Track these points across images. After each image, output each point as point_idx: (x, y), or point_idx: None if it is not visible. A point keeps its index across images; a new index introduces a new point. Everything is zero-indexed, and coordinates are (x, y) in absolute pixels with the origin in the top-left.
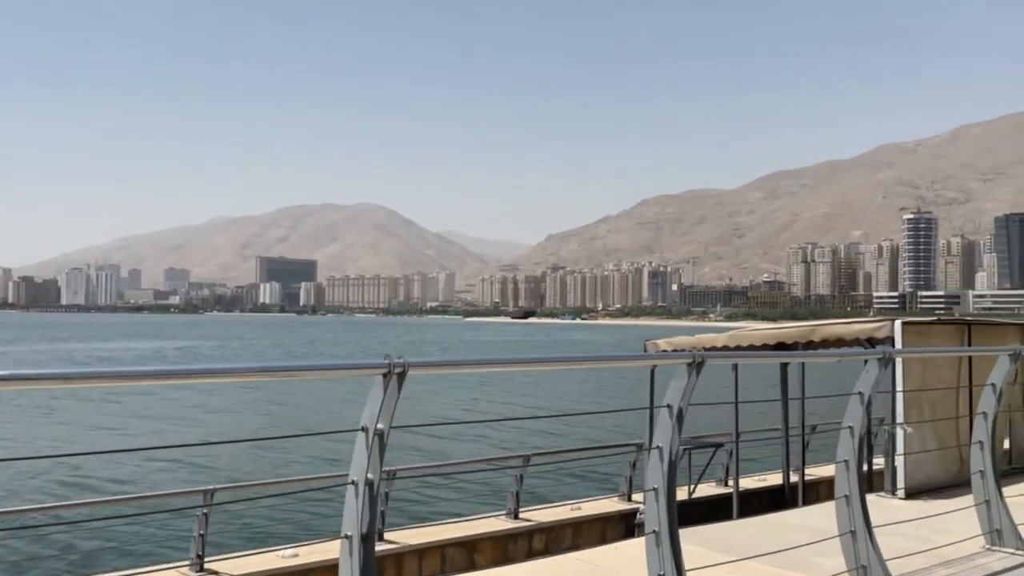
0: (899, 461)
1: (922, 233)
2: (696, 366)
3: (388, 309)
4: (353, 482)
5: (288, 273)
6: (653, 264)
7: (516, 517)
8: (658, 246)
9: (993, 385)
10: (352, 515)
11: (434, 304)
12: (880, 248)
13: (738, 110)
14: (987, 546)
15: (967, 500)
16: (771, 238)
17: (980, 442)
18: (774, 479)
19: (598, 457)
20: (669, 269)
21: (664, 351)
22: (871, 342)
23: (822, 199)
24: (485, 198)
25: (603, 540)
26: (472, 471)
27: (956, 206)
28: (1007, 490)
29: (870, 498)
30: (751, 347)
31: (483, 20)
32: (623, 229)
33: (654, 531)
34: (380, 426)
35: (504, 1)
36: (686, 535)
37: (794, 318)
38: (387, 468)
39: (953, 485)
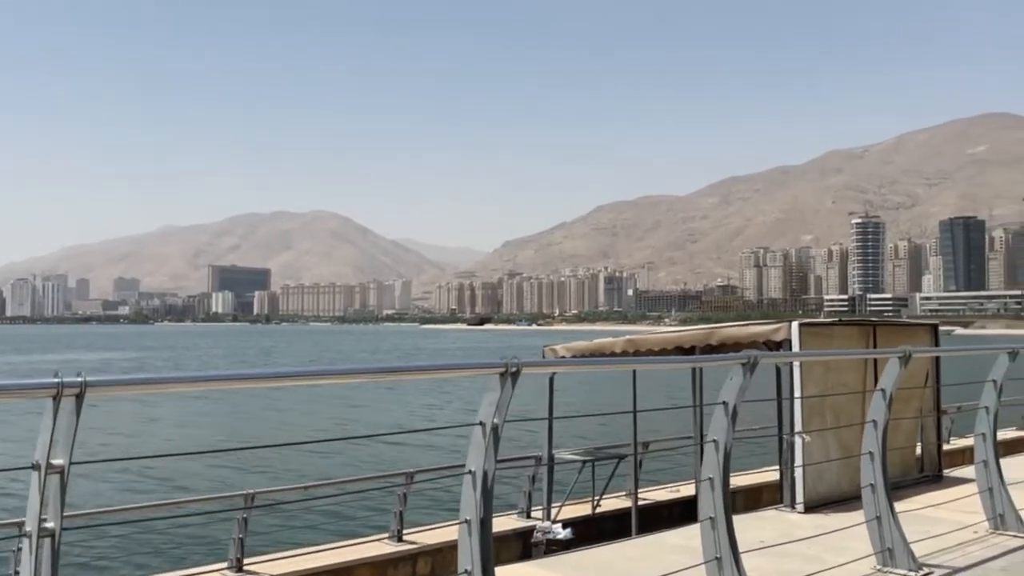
0: (798, 472)
1: (870, 237)
2: (511, 375)
3: (344, 317)
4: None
5: (241, 282)
6: (609, 270)
7: (400, 540)
8: (614, 252)
9: (883, 391)
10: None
11: (390, 312)
12: (830, 252)
13: (692, 116)
14: (878, 567)
15: (872, 513)
16: (724, 243)
17: (870, 453)
18: (688, 490)
19: (497, 471)
20: (624, 274)
21: (495, 361)
22: (768, 345)
23: (774, 204)
24: (442, 205)
25: (497, 561)
26: (345, 493)
27: (903, 210)
28: (919, 499)
29: (768, 512)
30: (649, 351)
31: (437, 25)
32: (579, 235)
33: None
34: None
35: (459, 5)
36: (549, 563)
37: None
38: (246, 492)
39: (859, 497)
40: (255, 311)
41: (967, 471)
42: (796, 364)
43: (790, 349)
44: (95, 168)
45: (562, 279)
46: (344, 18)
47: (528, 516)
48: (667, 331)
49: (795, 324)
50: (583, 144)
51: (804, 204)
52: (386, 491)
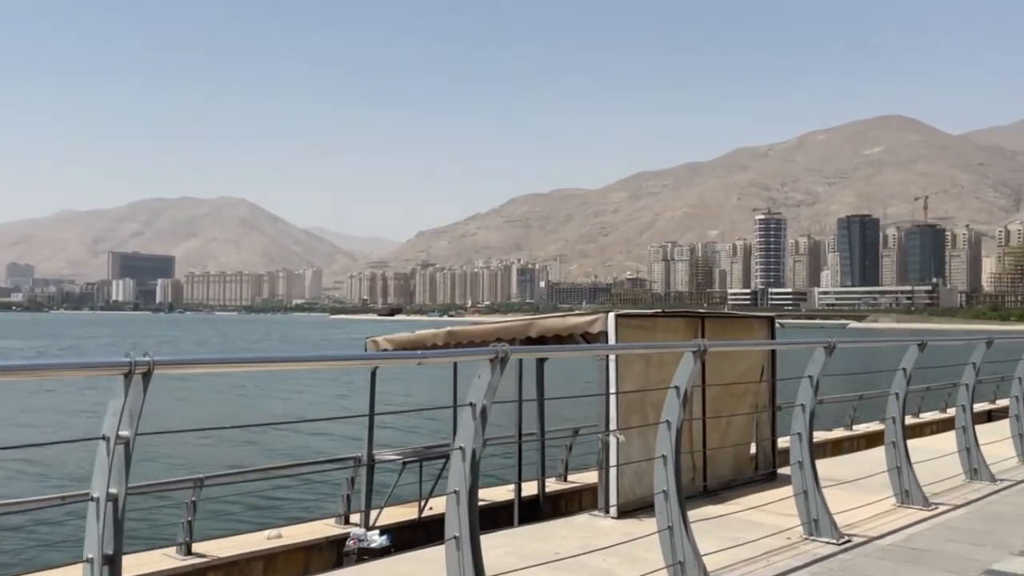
0: (612, 474)
1: (772, 233)
2: (141, 377)
3: (251, 307)
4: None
5: (143, 269)
6: (522, 262)
7: (189, 552)
8: (527, 244)
9: (676, 388)
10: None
11: (300, 302)
12: (734, 247)
13: (605, 112)
14: None
15: (695, 515)
16: (634, 237)
17: (663, 456)
18: (530, 488)
19: (315, 472)
20: (537, 266)
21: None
22: (586, 337)
23: (682, 200)
24: (355, 195)
25: (305, 572)
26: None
27: (804, 208)
28: (745, 500)
29: (580, 518)
30: (470, 343)
31: (352, 10)
32: (493, 227)
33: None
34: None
35: None
36: (348, 574)
37: None
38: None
39: (685, 498)
40: (158, 300)
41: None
42: (612, 358)
43: (606, 341)
44: None
45: (475, 270)
46: (257, 1)
47: (347, 522)
48: (488, 322)
49: (611, 315)
50: (497, 136)
51: (711, 200)
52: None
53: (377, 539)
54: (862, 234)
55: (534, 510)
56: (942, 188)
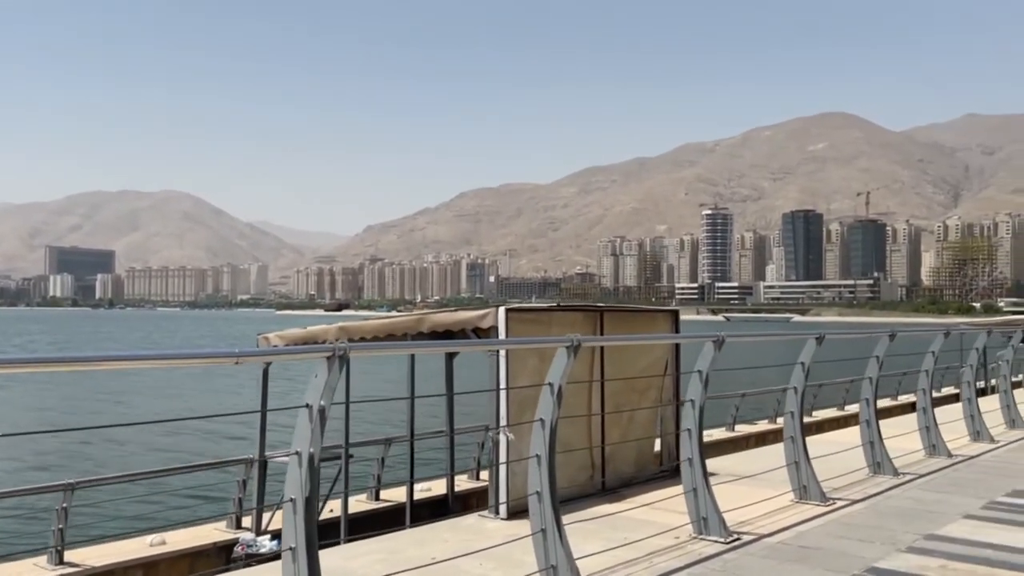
0: (502, 473)
1: (719, 228)
2: None
3: (195, 302)
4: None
5: (82, 264)
6: (471, 256)
7: (60, 561)
8: (476, 238)
9: (551, 384)
10: None
11: (245, 297)
12: (682, 242)
13: (554, 107)
14: None
15: (578, 516)
16: (584, 231)
17: (537, 456)
18: (439, 488)
19: (205, 472)
20: (487, 261)
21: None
22: (477, 332)
23: (630, 195)
24: (301, 188)
25: None
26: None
27: (750, 203)
28: (642, 498)
29: (468, 519)
30: (362, 339)
31: (299, 5)
32: (442, 221)
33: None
34: None
35: None
36: None
37: None
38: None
39: (582, 496)
40: (97, 295)
41: (709, 464)
42: (503, 352)
43: (497, 336)
44: None
45: (424, 265)
46: None
47: (239, 526)
48: (379, 318)
49: (502, 310)
50: (447, 130)
51: (659, 195)
52: None
53: (267, 544)
54: (806, 229)
55: (444, 509)
56: (883, 184)
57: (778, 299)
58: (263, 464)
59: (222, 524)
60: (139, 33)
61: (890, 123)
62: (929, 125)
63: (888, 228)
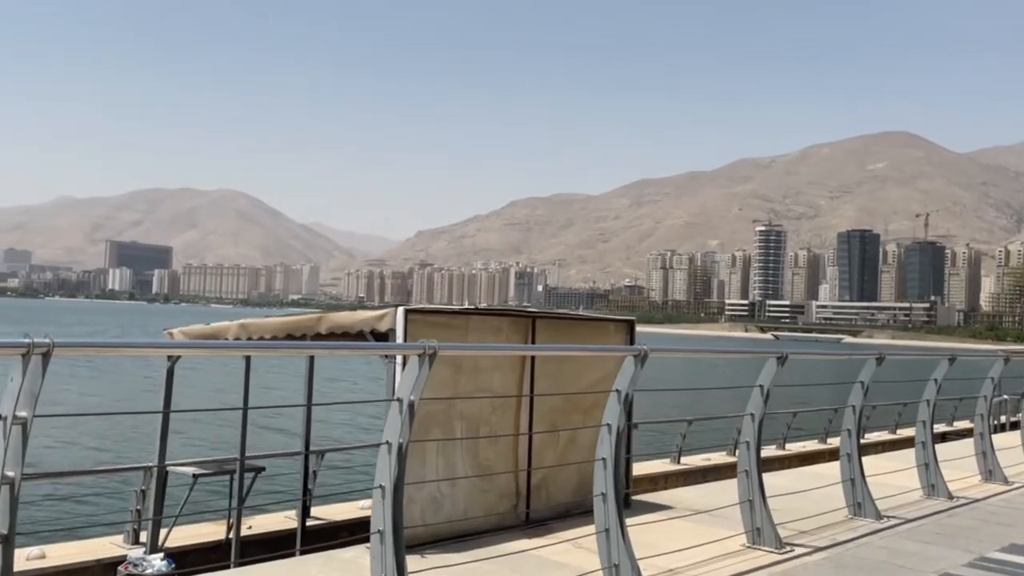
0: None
1: (772, 245)
2: None
3: (247, 300)
4: None
5: (141, 259)
6: (520, 264)
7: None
8: (526, 247)
9: (400, 400)
10: None
11: (296, 297)
12: (734, 257)
13: (608, 118)
14: None
15: (476, 554)
16: (634, 244)
17: (381, 487)
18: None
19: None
20: (536, 270)
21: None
22: (375, 334)
23: (683, 208)
24: (355, 192)
25: None
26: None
27: (805, 220)
28: (578, 531)
29: (349, 552)
30: (261, 338)
31: (358, 8)
32: (492, 229)
33: None
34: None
35: None
36: None
37: (650, 322)
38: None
39: (500, 528)
40: (154, 290)
41: (662, 496)
42: (399, 359)
43: (395, 340)
44: None
45: (473, 272)
46: None
47: (136, 541)
48: (279, 317)
49: (400, 310)
50: (500, 138)
51: (712, 210)
52: None
53: (156, 563)
54: (862, 249)
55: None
56: (944, 206)
57: (830, 319)
58: (162, 473)
59: (119, 538)
60: (204, 34)
61: (953, 144)
62: (994, 147)
63: (947, 251)
